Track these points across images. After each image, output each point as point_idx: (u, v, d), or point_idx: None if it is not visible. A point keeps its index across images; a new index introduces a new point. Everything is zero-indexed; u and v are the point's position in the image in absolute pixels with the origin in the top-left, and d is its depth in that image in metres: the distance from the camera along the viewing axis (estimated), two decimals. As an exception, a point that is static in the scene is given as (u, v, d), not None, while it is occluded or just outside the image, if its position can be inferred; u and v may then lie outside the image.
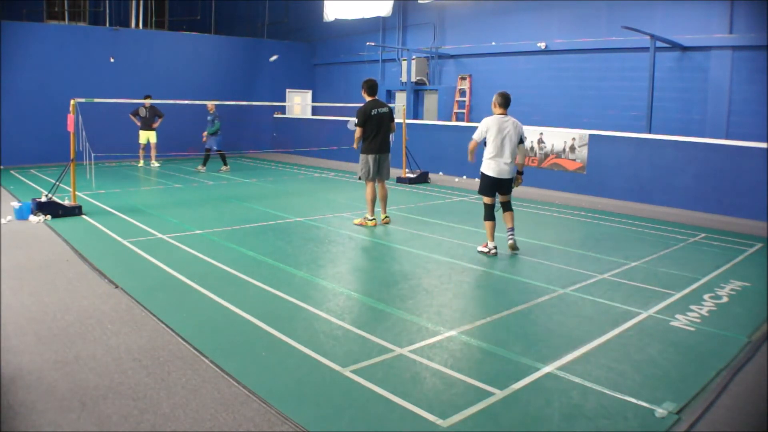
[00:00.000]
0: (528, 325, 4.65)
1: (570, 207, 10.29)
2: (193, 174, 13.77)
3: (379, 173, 8.18)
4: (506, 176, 6.61)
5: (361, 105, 8.22)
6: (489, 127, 6.53)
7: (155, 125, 14.43)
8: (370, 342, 4.18)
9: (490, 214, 6.68)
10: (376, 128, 8.04)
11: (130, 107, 14.05)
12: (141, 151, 14.76)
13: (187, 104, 13.94)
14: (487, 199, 6.69)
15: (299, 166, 16.09)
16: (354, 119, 8.23)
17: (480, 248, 6.83)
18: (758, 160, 9.28)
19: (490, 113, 6.75)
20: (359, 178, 8.31)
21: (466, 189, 11.93)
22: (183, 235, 7.40)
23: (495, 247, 6.67)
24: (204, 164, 14.17)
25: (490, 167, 6.58)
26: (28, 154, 14.85)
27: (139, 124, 14.34)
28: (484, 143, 6.68)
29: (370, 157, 8.10)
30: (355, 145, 8.32)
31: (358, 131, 8.05)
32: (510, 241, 6.78)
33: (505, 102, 6.64)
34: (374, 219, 8.25)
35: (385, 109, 8.17)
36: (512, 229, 6.81)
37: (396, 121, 14.70)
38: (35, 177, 12.74)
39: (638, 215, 9.57)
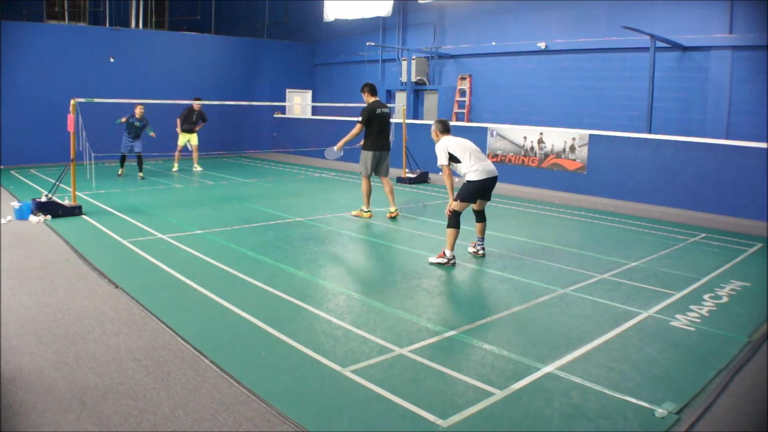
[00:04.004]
0: (528, 325, 4.65)
1: (570, 207, 10.29)
2: (192, 174, 13.78)
3: (378, 170, 8.62)
4: (495, 174, 6.31)
5: (363, 105, 8.65)
6: (450, 148, 6.26)
7: (197, 128, 13.95)
8: (370, 342, 4.18)
9: (457, 222, 6.21)
10: (379, 127, 8.50)
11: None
12: (177, 153, 14.08)
13: (187, 104, 13.91)
14: (462, 206, 6.24)
15: (299, 166, 16.09)
16: (333, 147, 8.66)
17: (435, 259, 6.26)
18: (758, 160, 9.28)
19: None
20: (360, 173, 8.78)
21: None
22: (183, 235, 7.40)
23: (454, 257, 6.26)
24: (130, 168, 13.21)
25: (477, 173, 6.19)
26: (28, 154, 14.84)
27: (180, 128, 13.72)
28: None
29: (370, 154, 8.52)
30: (338, 145, 8.58)
31: (357, 128, 8.40)
32: (481, 252, 6.62)
33: (447, 128, 6.55)
34: (369, 211, 8.74)
35: (386, 110, 8.67)
36: (483, 239, 6.65)
37: (396, 120, 14.74)
38: (35, 177, 12.74)
39: (638, 215, 9.57)
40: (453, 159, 6.30)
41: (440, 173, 6.67)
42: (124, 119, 12.23)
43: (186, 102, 13.57)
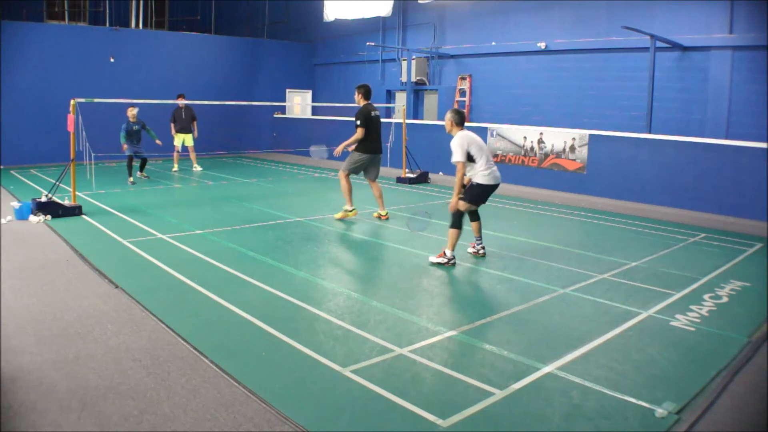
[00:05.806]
0: (528, 325, 4.65)
1: (570, 207, 10.29)
2: (192, 174, 13.78)
3: (368, 173, 8.54)
4: (500, 181, 6.39)
5: (358, 107, 8.50)
6: (470, 145, 6.23)
7: (193, 127, 13.88)
8: (370, 342, 4.18)
9: (460, 222, 6.23)
10: (375, 130, 8.43)
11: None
12: (176, 154, 13.99)
13: (187, 104, 13.91)
14: (468, 208, 6.29)
15: (299, 166, 16.09)
16: (324, 147, 8.91)
17: (436, 258, 6.26)
18: (758, 160, 9.28)
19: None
20: (344, 169, 8.53)
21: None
22: (183, 235, 7.40)
23: (454, 257, 6.26)
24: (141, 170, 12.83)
25: (486, 177, 6.23)
26: (28, 154, 14.85)
27: (174, 129, 13.72)
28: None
29: (366, 156, 8.40)
30: (338, 150, 8.40)
31: (360, 132, 8.23)
32: (481, 252, 6.64)
33: (463, 119, 6.47)
34: (354, 209, 8.61)
35: (378, 112, 8.61)
36: (480, 238, 6.67)
37: (396, 120, 14.69)
38: (35, 177, 12.74)
39: (638, 215, 9.57)
40: (468, 158, 6.27)
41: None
42: (124, 134, 11.82)
43: (186, 102, 13.56)
